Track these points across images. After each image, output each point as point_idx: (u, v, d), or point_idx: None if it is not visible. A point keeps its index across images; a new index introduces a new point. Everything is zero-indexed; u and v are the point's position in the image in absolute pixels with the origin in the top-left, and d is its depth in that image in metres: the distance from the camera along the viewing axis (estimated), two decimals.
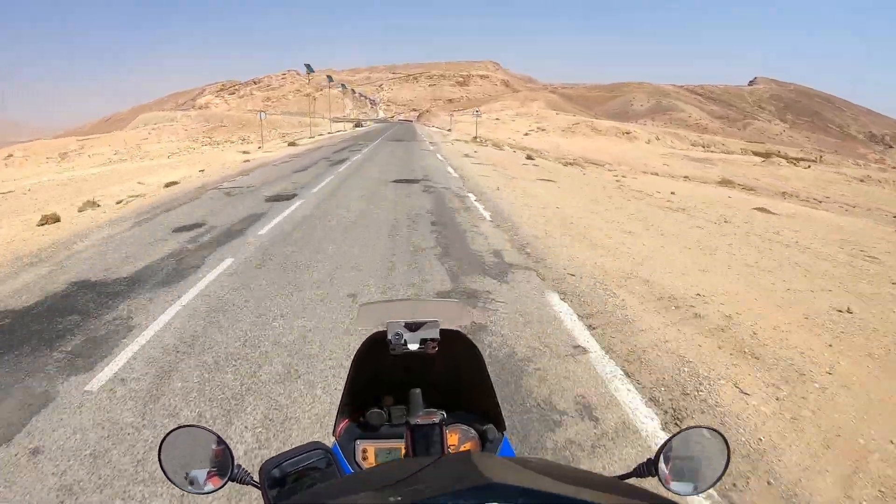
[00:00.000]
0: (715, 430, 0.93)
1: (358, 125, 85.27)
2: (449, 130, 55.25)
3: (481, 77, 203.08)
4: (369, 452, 1.13)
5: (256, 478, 0.96)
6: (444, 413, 1.00)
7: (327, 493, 0.75)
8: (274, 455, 0.98)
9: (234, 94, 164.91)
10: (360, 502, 0.62)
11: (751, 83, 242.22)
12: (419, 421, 0.97)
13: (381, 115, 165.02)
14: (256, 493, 0.96)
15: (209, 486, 0.94)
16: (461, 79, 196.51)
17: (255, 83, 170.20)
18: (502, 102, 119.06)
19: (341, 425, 1.19)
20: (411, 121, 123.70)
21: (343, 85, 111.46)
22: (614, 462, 2.43)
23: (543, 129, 58.28)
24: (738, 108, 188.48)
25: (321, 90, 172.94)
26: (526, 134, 55.59)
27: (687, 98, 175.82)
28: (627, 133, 56.24)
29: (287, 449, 1.01)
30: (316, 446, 1.00)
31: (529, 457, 0.88)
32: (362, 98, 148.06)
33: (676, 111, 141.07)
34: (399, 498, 0.56)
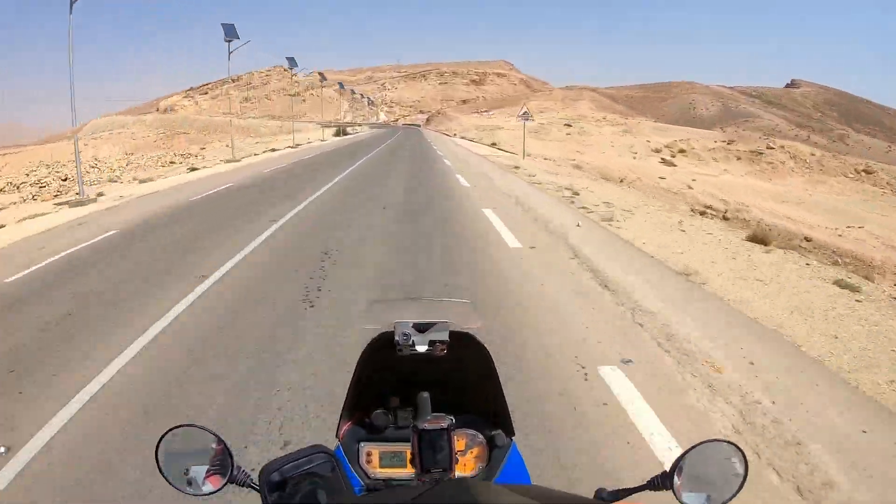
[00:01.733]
0: (732, 444, 0.91)
1: (340, 133, 57.51)
2: (489, 148, 27.19)
3: (498, 75, 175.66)
4: (373, 455, 1.12)
5: (257, 480, 0.93)
6: (452, 418, 0.98)
7: None
8: (275, 458, 0.95)
9: (206, 94, 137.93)
10: None
11: (789, 86, 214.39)
12: (427, 426, 0.95)
13: (382, 117, 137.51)
14: (256, 496, 0.95)
15: (208, 487, 0.91)
16: (476, 77, 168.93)
17: (232, 81, 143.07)
18: (538, 103, 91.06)
19: (345, 427, 1.17)
20: (419, 125, 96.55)
21: (339, 84, 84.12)
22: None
23: (683, 152, 30.27)
24: (803, 114, 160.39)
25: (311, 89, 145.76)
26: (662, 160, 27.46)
27: (747, 101, 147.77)
28: (868, 172, 27.84)
29: (290, 451, 0.97)
30: (318, 450, 0.97)
31: (530, 485, 0.90)
32: (361, 98, 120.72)
33: (753, 117, 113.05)
34: None
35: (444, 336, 1.07)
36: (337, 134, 55.45)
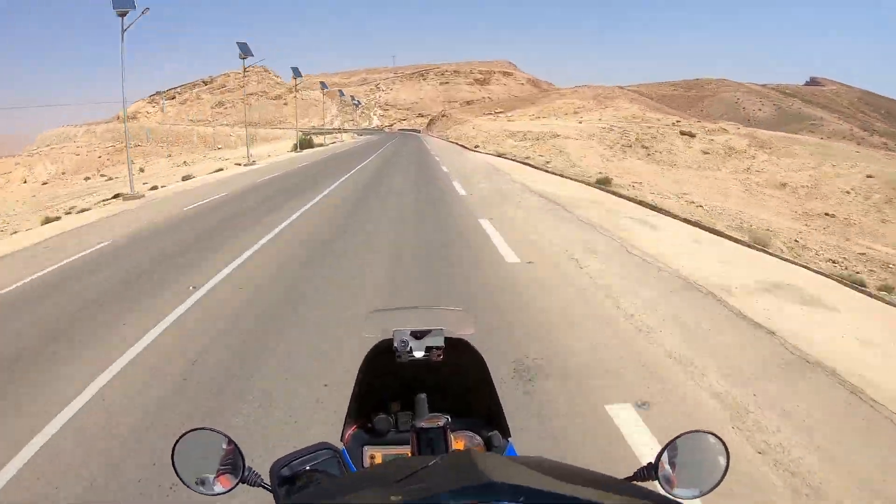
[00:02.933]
0: (714, 435, 0.93)
1: (298, 147, 39.36)
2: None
3: (504, 74, 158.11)
4: (377, 458, 1.15)
5: (267, 479, 0.96)
6: (448, 417, 1.00)
7: (329, 492, 0.79)
8: (283, 455, 0.99)
9: (174, 98, 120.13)
10: (360, 501, 0.62)
11: (809, 83, 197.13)
12: (424, 424, 0.98)
13: (376, 122, 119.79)
14: (267, 494, 0.97)
15: (219, 488, 0.94)
16: (480, 76, 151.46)
17: (204, 83, 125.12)
18: (565, 101, 73.31)
19: (349, 431, 1.20)
20: (418, 131, 79.20)
21: (320, 84, 66.30)
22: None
23: None
24: (849, 115, 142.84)
25: (294, 92, 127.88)
26: None
27: (790, 101, 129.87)
28: None
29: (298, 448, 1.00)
30: (324, 446, 1.00)
31: (531, 456, 0.88)
32: (351, 100, 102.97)
33: (815, 120, 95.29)
34: (400, 497, 0.55)
35: (440, 342, 1.11)
36: (298, 147, 37.36)
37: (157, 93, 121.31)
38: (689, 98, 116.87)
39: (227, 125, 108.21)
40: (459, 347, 1.15)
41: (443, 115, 75.60)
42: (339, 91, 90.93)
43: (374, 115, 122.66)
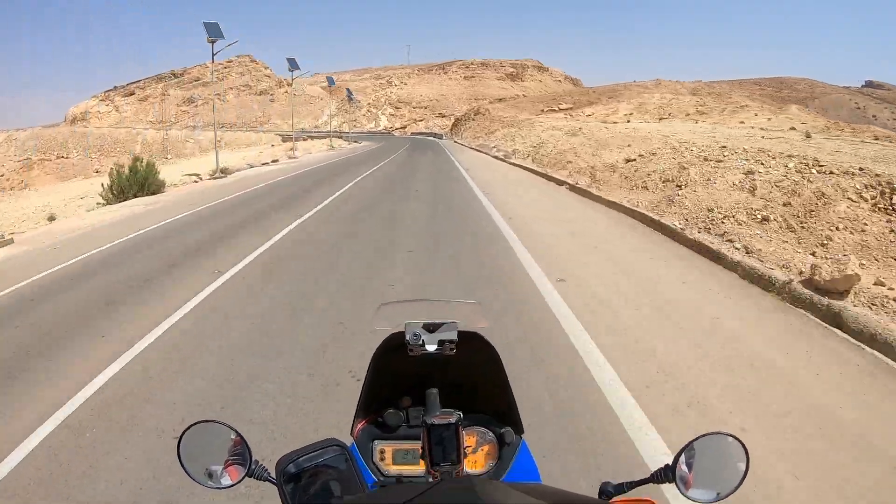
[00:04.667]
0: (733, 437, 0.90)
1: (120, 189, 14.67)
2: None
3: (538, 70, 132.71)
4: (387, 453, 1.15)
5: (273, 474, 0.96)
6: (460, 413, 1.00)
7: None
8: (291, 451, 0.97)
9: (132, 94, 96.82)
10: None
11: (866, 86, 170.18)
12: (435, 421, 0.96)
13: (384, 123, 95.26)
14: (273, 489, 0.95)
15: (227, 481, 0.94)
16: (513, 69, 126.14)
17: (174, 76, 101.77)
18: (661, 96, 48.04)
19: (359, 426, 1.20)
20: (440, 136, 54.94)
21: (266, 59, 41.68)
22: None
23: None
24: None
25: (285, 87, 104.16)
26: None
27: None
28: None
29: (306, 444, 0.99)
30: (333, 443, 0.99)
31: (532, 483, 0.93)
32: (347, 95, 78.52)
33: None
34: None
35: (453, 336, 1.08)
36: (114, 190, 12.46)
37: (115, 88, 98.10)
38: (782, 99, 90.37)
39: (192, 126, 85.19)
40: (473, 341, 1.12)
41: (477, 113, 50.48)
42: (349, 96, 65.69)
43: (383, 114, 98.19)
